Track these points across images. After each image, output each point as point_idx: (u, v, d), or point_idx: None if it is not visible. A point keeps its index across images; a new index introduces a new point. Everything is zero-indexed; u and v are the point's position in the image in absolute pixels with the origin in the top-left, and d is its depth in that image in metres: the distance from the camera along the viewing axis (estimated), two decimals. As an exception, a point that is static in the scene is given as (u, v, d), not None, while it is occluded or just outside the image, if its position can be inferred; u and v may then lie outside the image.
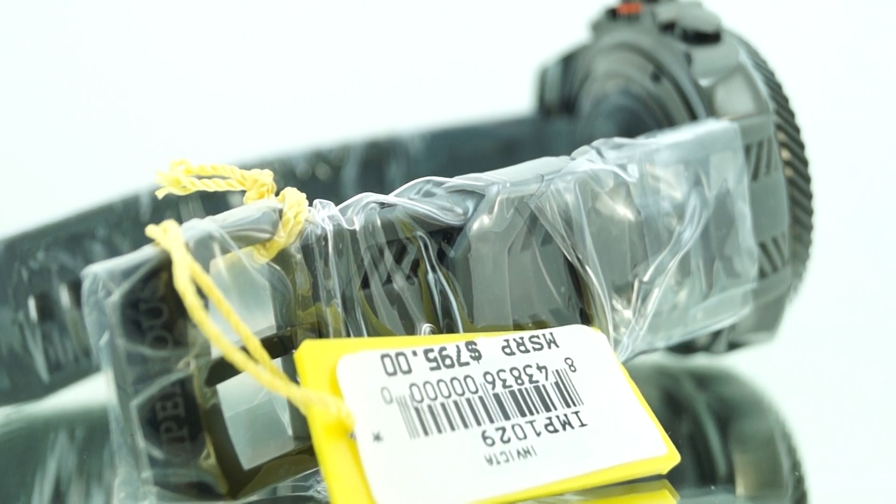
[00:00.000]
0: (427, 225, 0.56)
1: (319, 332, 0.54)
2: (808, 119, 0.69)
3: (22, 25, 1.11)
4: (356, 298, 0.54)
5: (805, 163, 0.67)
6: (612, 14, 0.73)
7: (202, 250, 0.52)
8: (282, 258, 0.54)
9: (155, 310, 0.51)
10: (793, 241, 0.66)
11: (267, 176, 0.57)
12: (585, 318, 0.58)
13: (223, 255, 0.53)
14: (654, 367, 0.76)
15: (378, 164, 0.83)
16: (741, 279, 0.63)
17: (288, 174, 0.80)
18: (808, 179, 0.67)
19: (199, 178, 0.57)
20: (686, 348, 0.72)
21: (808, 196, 0.67)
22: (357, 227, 0.55)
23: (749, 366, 0.76)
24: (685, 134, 0.62)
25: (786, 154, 0.66)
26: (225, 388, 0.53)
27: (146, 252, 0.51)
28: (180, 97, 1.10)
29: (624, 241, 0.59)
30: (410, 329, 0.56)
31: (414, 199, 0.56)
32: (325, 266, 0.54)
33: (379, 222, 0.55)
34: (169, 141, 1.05)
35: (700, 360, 0.75)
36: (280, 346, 0.54)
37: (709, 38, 0.67)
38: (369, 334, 0.55)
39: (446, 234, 0.56)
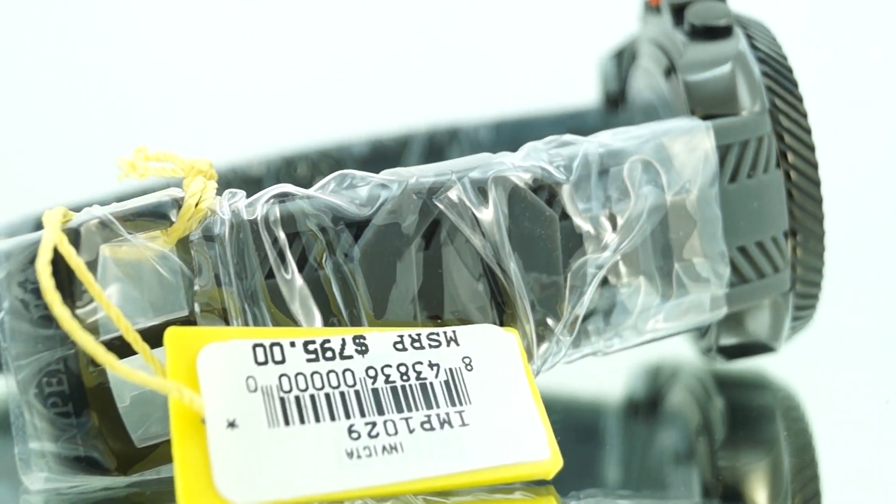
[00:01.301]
0: (335, 218, 0.56)
1: (226, 320, 0.56)
2: (830, 121, 0.65)
3: (25, 24, 1.15)
4: (259, 289, 0.55)
5: (812, 165, 0.63)
6: (647, 6, 0.71)
7: (90, 236, 0.54)
8: (184, 246, 0.55)
9: (40, 290, 0.53)
10: (797, 246, 0.63)
11: (204, 163, 0.59)
12: (505, 318, 0.57)
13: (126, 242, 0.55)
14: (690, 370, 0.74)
15: (440, 153, 0.83)
16: (708, 283, 0.60)
17: (347, 161, 0.81)
18: (814, 182, 0.63)
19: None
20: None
21: (814, 200, 0.63)
22: (258, 217, 0.55)
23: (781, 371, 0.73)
24: (645, 132, 0.60)
25: (789, 155, 0.63)
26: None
27: (36, 235, 0.54)
28: (223, 89, 1.12)
29: (551, 241, 0.57)
30: (313, 321, 0.56)
31: (329, 192, 0.57)
32: (224, 256, 0.55)
33: (279, 214, 0.56)
34: (206, 135, 1.08)
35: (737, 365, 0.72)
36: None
37: (712, 31, 0.65)
38: (274, 325, 0.56)
39: (360, 228, 0.56)
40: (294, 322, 0.56)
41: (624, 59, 0.79)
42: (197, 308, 0.55)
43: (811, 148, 0.64)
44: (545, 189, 0.58)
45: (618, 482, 0.62)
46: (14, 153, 1.11)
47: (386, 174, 0.57)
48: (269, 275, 0.56)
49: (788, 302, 0.65)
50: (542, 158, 0.58)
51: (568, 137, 0.59)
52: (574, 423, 0.69)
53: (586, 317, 0.59)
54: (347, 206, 0.56)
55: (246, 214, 0.55)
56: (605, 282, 0.59)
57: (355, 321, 0.56)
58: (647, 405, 0.73)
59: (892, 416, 0.66)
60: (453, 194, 0.56)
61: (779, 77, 0.64)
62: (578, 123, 0.82)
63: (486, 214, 0.57)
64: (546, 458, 0.54)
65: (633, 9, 0.75)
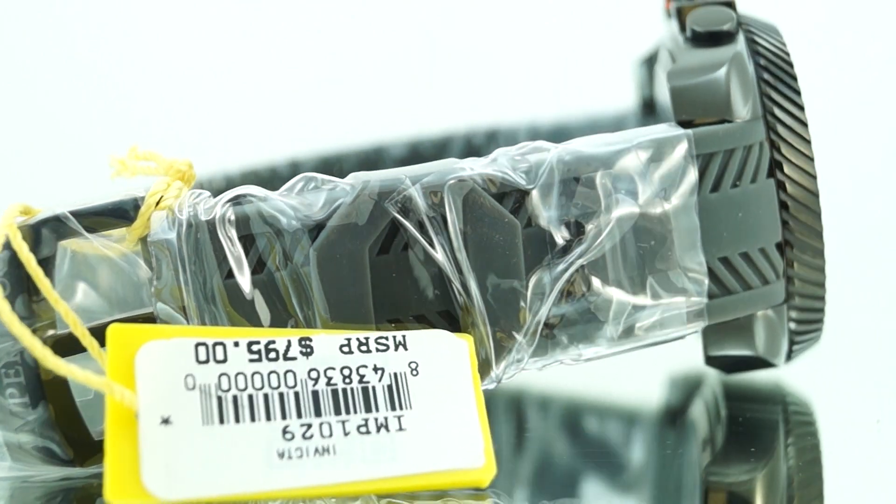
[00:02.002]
0: (291, 221, 0.56)
1: (187, 319, 0.57)
2: (832, 121, 0.63)
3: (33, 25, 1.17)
4: (216, 289, 0.56)
5: (810, 176, 0.62)
6: (665, 10, 0.70)
7: (49, 232, 0.56)
8: (145, 245, 0.56)
9: (-2, 284, 0.55)
10: (793, 259, 0.62)
11: (183, 164, 0.60)
12: (463, 324, 0.57)
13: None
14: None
15: (478, 155, 0.82)
16: (685, 294, 0.59)
17: (386, 162, 0.81)
18: (811, 193, 0.62)
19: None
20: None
21: (811, 211, 0.62)
22: (215, 218, 0.56)
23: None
24: (621, 139, 0.59)
25: (785, 166, 0.61)
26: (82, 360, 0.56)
27: None
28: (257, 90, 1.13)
29: (510, 248, 0.57)
30: (269, 322, 0.57)
31: (291, 194, 0.57)
32: (182, 256, 0.56)
33: (234, 216, 0.56)
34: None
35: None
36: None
37: (714, 37, 0.63)
38: (230, 325, 0.56)
39: (317, 231, 0.56)
40: (250, 323, 0.56)
41: (651, 64, 0.78)
42: (159, 306, 0.56)
43: (809, 158, 0.62)
44: (511, 195, 0.57)
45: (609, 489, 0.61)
46: (32, 154, 1.14)
47: (351, 177, 0.57)
48: (229, 275, 0.56)
49: (783, 315, 0.63)
50: (505, 164, 0.58)
51: (541, 143, 0.59)
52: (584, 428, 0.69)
53: (554, 324, 0.58)
54: (304, 209, 0.57)
55: (204, 215, 0.56)
56: (573, 290, 0.58)
57: (310, 323, 0.56)
58: (657, 415, 0.71)
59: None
60: (405, 198, 0.56)
61: (779, 85, 0.62)
62: (616, 127, 0.81)
63: (440, 219, 0.56)
64: (480, 466, 0.53)
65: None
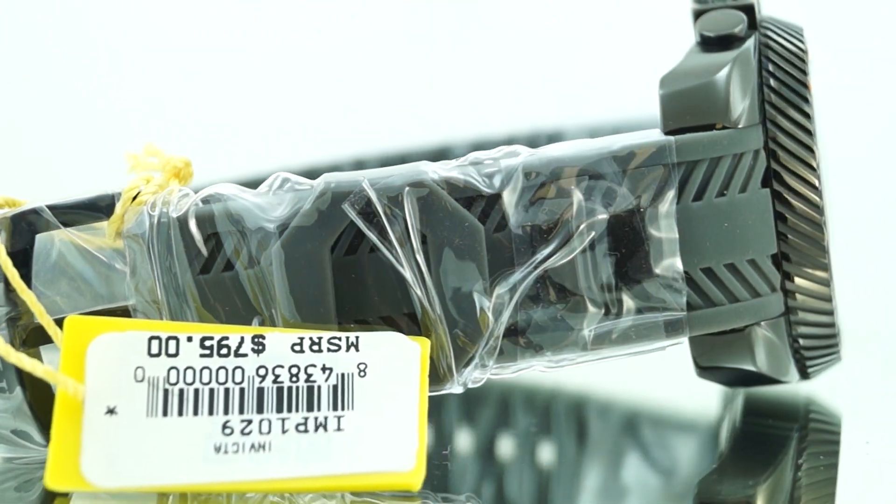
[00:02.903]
0: (256, 220, 0.57)
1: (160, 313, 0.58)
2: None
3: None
4: (185, 285, 0.57)
5: (810, 186, 0.59)
6: None
7: (24, 225, 0.58)
8: (124, 240, 0.58)
9: (-27, 271, 0.58)
10: (791, 272, 0.59)
11: (179, 161, 0.62)
12: (423, 328, 0.57)
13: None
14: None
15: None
16: (662, 304, 0.58)
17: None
18: (812, 204, 0.59)
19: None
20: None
21: (812, 223, 0.59)
22: (185, 215, 0.58)
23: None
24: (600, 144, 0.58)
25: (784, 175, 0.59)
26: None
27: None
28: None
29: (471, 252, 0.57)
30: (235, 319, 0.58)
31: (262, 194, 0.58)
32: (153, 251, 0.58)
33: (202, 213, 0.58)
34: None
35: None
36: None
37: (725, 41, 0.61)
38: (198, 321, 0.58)
39: (281, 230, 0.57)
40: (217, 319, 0.58)
41: None
42: (136, 300, 0.58)
43: (811, 168, 0.60)
44: (480, 199, 0.57)
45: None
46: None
47: (320, 178, 0.58)
48: (201, 272, 0.58)
49: (782, 330, 0.61)
50: (471, 169, 0.57)
51: (516, 148, 0.58)
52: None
53: (520, 330, 0.57)
54: (271, 209, 0.57)
55: (175, 212, 0.58)
56: (540, 295, 0.57)
57: (275, 322, 0.57)
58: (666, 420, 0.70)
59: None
60: (363, 200, 0.56)
61: (785, 91, 0.60)
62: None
63: (399, 221, 0.56)
64: (409, 469, 0.54)
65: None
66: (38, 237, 0.58)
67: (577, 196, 0.57)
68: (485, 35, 1.13)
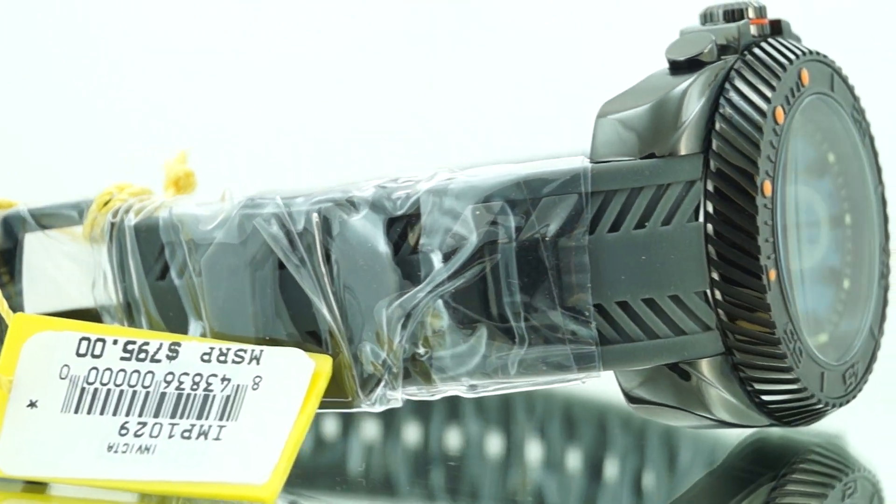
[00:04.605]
0: (195, 231, 0.60)
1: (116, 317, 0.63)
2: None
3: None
4: (136, 291, 0.61)
5: (749, 218, 0.56)
6: None
7: (9, 227, 0.63)
8: (91, 244, 0.63)
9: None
10: (722, 309, 0.56)
11: (181, 171, 0.66)
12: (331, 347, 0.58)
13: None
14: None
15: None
16: (571, 336, 0.56)
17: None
18: (751, 238, 0.56)
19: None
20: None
21: (748, 258, 0.56)
22: (136, 224, 0.61)
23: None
24: (514, 170, 0.57)
25: (719, 207, 0.56)
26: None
27: None
28: None
29: (373, 274, 0.57)
30: (177, 327, 0.61)
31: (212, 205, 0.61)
32: (111, 257, 0.62)
33: (148, 223, 0.61)
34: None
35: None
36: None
37: (690, 65, 0.59)
38: (148, 327, 0.62)
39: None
40: (167, 325, 0.61)
41: None
42: (100, 304, 0.63)
43: (750, 198, 0.56)
44: (390, 220, 0.58)
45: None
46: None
47: (246, 194, 0.60)
48: (157, 277, 0.61)
49: (721, 371, 0.57)
50: (382, 192, 0.58)
51: (433, 171, 0.58)
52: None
53: (425, 354, 0.57)
54: (206, 222, 0.60)
55: (132, 220, 0.61)
56: (447, 320, 0.57)
57: (205, 332, 0.60)
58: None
59: None
60: (273, 217, 0.58)
61: (738, 118, 0.57)
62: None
63: (307, 240, 0.58)
64: (262, 483, 0.55)
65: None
66: (27, 237, 0.64)
67: (484, 222, 0.57)
68: (485, 35, 1.10)
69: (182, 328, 0.61)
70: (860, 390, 0.62)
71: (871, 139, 0.64)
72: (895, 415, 0.71)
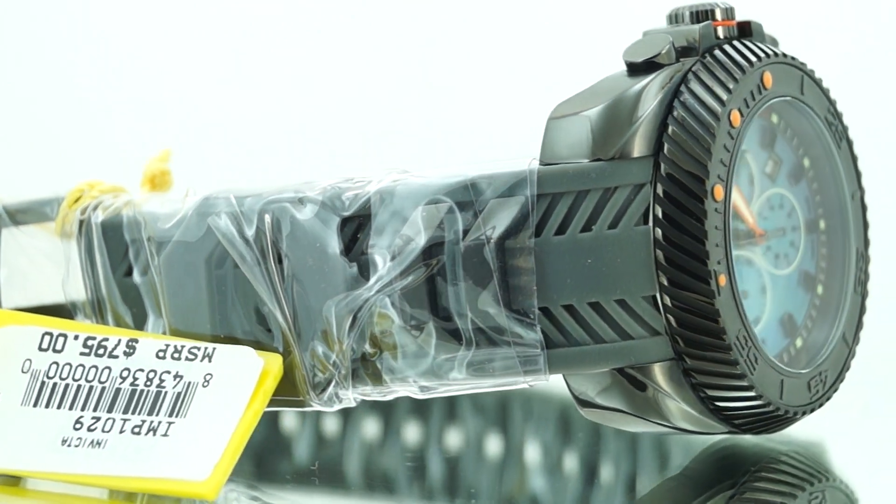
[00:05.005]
0: (155, 229, 0.61)
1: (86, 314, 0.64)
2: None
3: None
4: (103, 288, 0.62)
5: (697, 223, 0.55)
6: None
7: (-11, 220, 0.65)
8: (61, 240, 0.64)
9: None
10: (670, 314, 0.56)
11: (156, 170, 0.67)
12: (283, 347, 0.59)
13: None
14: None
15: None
16: (515, 339, 0.56)
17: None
18: (699, 242, 0.55)
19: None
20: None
21: (695, 263, 0.55)
22: (102, 222, 0.62)
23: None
24: (464, 171, 0.57)
25: (668, 212, 0.55)
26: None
27: None
28: None
29: (321, 274, 0.57)
30: (142, 322, 0.62)
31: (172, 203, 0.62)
32: (80, 253, 0.63)
33: (113, 221, 0.62)
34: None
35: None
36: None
37: (647, 67, 0.58)
38: (114, 323, 0.63)
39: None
40: (126, 322, 0.62)
41: None
42: (71, 300, 0.64)
43: (699, 201, 0.55)
44: (341, 221, 0.58)
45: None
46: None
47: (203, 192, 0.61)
48: (123, 274, 0.62)
49: (673, 378, 0.57)
50: (334, 191, 0.58)
51: (385, 172, 0.58)
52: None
53: (375, 354, 0.58)
54: (167, 219, 0.61)
55: (97, 217, 0.62)
56: (395, 320, 0.57)
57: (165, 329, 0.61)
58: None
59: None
60: (222, 217, 0.59)
61: (691, 121, 0.56)
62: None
63: (257, 240, 0.58)
64: (202, 480, 0.55)
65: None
66: (3, 233, 0.65)
67: (430, 223, 0.57)
68: (485, 35, 1.09)
69: (145, 325, 0.62)
70: (828, 398, 0.61)
71: (850, 143, 0.63)
72: (875, 423, 0.69)
